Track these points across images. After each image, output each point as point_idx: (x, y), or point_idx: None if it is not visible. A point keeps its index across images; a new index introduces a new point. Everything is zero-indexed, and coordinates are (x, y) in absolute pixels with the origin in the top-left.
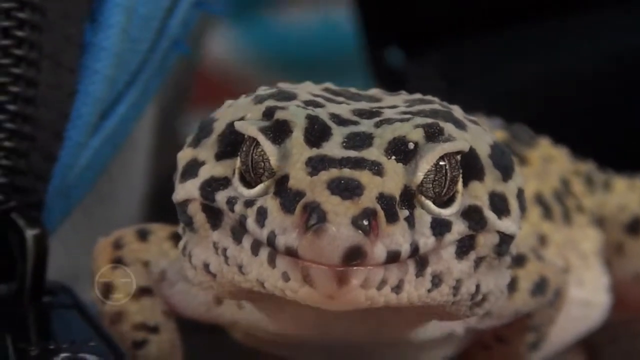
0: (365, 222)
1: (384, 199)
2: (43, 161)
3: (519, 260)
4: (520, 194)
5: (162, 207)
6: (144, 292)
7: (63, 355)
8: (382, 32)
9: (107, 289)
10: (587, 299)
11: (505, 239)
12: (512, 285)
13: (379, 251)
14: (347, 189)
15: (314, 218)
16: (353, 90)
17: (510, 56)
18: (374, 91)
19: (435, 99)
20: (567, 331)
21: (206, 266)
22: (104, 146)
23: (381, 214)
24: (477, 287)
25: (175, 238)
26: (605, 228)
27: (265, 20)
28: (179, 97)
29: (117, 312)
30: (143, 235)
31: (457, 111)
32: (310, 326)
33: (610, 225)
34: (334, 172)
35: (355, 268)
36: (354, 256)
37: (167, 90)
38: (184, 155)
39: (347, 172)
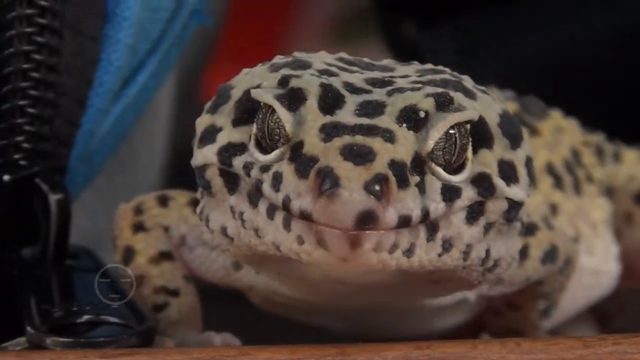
0: (377, 187)
1: (395, 165)
2: (66, 127)
3: (530, 229)
4: (528, 162)
5: (181, 174)
6: (164, 256)
7: (86, 316)
8: (395, 5)
9: (128, 254)
10: (597, 267)
11: (514, 205)
12: (523, 253)
13: (390, 215)
14: (359, 155)
15: (327, 183)
16: (366, 60)
17: (523, 27)
18: (387, 61)
19: (446, 69)
20: (577, 299)
21: (224, 230)
22: (125, 113)
23: (392, 179)
24: (487, 252)
25: (195, 204)
26: (614, 198)
27: None
28: (198, 66)
29: (138, 276)
30: (164, 201)
31: (467, 81)
32: (325, 294)
33: (620, 196)
34: (346, 139)
35: (367, 232)
36: (366, 220)
37: (187, 58)
38: (202, 121)
39: (359, 138)
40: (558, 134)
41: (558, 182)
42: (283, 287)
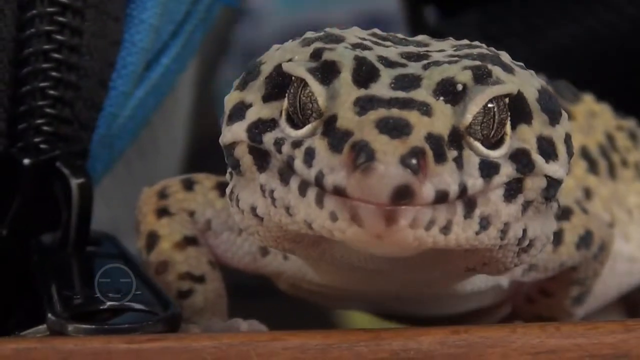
0: (414, 161)
1: (433, 139)
2: (88, 110)
3: (565, 213)
4: (567, 139)
5: (202, 162)
6: (189, 241)
7: (109, 303)
8: None
9: (152, 239)
10: (632, 254)
11: (553, 183)
12: (558, 238)
13: (427, 190)
14: (395, 129)
15: (362, 157)
16: (400, 35)
17: (549, 15)
18: (421, 37)
19: (483, 45)
20: (611, 286)
21: (253, 209)
22: (148, 97)
23: (430, 153)
24: (524, 231)
25: (221, 188)
26: None
27: None
28: (220, 52)
29: (163, 262)
30: (189, 185)
31: (504, 56)
32: (356, 277)
33: None
34: (382, 112)
35: (403, 207)
36: (403, 195)
37: (208, 44)
38: (231, 98)
39: (395, 112)
40: (591, 118)
41: (592, 167)
42: (313, 272)
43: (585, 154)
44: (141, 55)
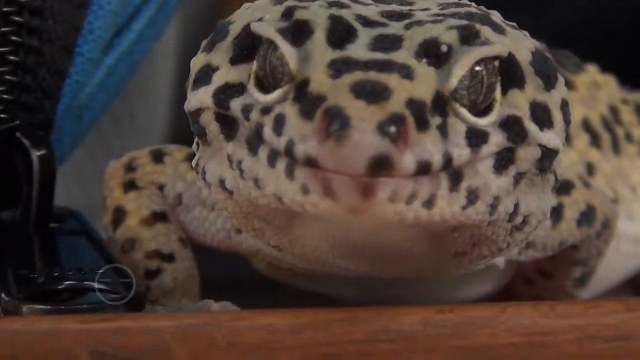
0: (393, 129)
1: (414, 105)
2: (52, 78)
3: (565, 187)
4: (564, 105)
5: (187, 139)
6: (158, 217)
7: (67, 282)
8: None
9: (119, 215)
10: (638, 234)
11: (548, 153)
12: (557, 214)
13: (407, 161)
14: (372, 93)
15: (335, 124)
16: None
17: None
18: None
19: (472, 3)
20: (616, 269)
21: (222, 182)
22: (119, 65)
23: (410, 120)
24: (516, 206)
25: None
26: None
27: None
28: (206, 23)
29: (129, 239)
30: (158, 157)
31: (495, 15)
32: (330, 264)
33: None
34: (358, 75)
35: (381, 179)
36: (380, 166)
37: (193, 14)
38: (197, 61)
39: (373, 75)
40: (595, 89)
41: (595, 140)
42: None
43: (587, 126)
44: (109, 20)
